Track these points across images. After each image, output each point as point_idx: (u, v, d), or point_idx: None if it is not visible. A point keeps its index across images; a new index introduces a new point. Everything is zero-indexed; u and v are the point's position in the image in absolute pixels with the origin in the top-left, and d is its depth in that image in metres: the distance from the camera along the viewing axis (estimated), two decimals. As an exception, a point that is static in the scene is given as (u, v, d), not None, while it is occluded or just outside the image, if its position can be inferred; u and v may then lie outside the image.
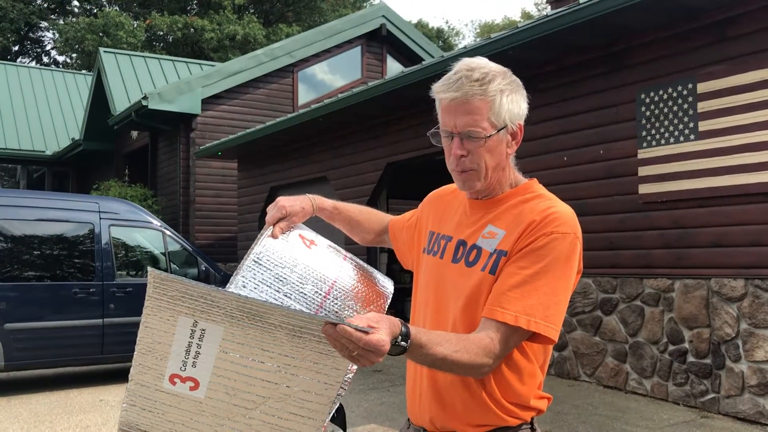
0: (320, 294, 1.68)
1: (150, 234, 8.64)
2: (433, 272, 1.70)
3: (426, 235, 1.80)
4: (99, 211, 8.16)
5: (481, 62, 1.60)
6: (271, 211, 1.77)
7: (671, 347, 6.54)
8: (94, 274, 7.95)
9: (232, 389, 1.43)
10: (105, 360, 8.07)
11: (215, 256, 14.24)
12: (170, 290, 1.37)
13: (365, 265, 1.87)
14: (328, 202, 1.96)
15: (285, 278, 1.66)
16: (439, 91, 1.59)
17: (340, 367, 1.38)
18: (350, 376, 1.70)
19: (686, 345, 6.41)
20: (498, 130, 1.58)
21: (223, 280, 8.86)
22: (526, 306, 1.47)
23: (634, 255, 6.89)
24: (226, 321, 1.37)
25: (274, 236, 1.73)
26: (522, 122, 1.65)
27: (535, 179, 1.71)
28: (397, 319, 1.34)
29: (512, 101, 1.60)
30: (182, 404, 1.47)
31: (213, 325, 1.38)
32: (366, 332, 1.24)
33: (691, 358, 6.36)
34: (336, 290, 1.69)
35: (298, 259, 1.70)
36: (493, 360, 1.47)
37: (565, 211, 1.59)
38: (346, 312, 1.71)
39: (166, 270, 8.56)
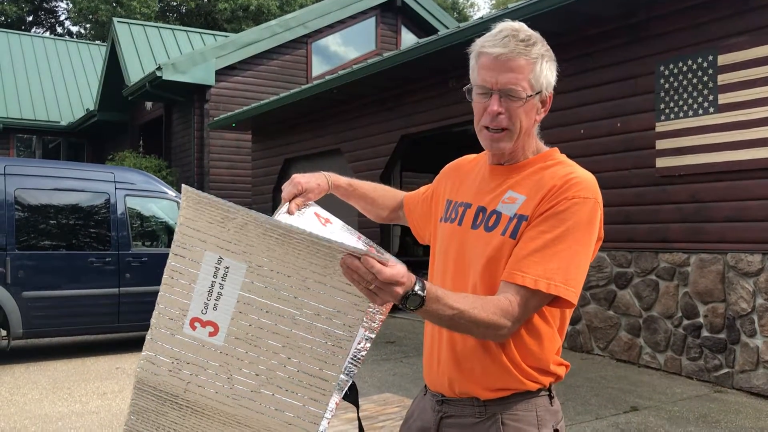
0: None
1: (165, 204, 8.67)
2: (451, 239, 1.70)
3: (443, 205, 1.79)
4: (114, 181, 8.19)
5: (523, 26, 1.61)
6: (287, 188, 1.78)
7: (685, 322, 6.52)
8: (110, 244, 8.01)
9: (250, 336, 1.45)
10: (121, 329, 8.16)
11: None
12: (203, 213, 1.42)
13: (378, 247, 1.87)
14: (342, 180, 1.97)
15: None
16: (486, 45, 1.58)
17: (359, 305, 1.39)
18: (363, 353, 1.74)
19: (701, 319, 6.39)
20: (536, 93, 1.58)
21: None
22: (546, 270, 1.47)
23: (650, 229, 6.85)
24: (252, 249, 1.40)
25: (290, 212, 1.74)
26: (552, 92, 1.65)
27: (557, 148, 1.72)
28: (410, 273, 1.35)
29: (550, 68, 1.61)
30: (200, 352, 1.49)
31: (237, 262, 1.41)
32: (385, 264, 1.26)
33: (705, 333, 6.34)
34: None
35: None
36: (512, 323, 1.46)
37: (586, 176, 1.59)
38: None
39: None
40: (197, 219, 1.43)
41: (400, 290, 1.28)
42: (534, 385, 1.59)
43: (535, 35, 1.60)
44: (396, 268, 1.27)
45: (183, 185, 1.46)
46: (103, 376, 7.00)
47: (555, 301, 1.52)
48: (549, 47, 1.64)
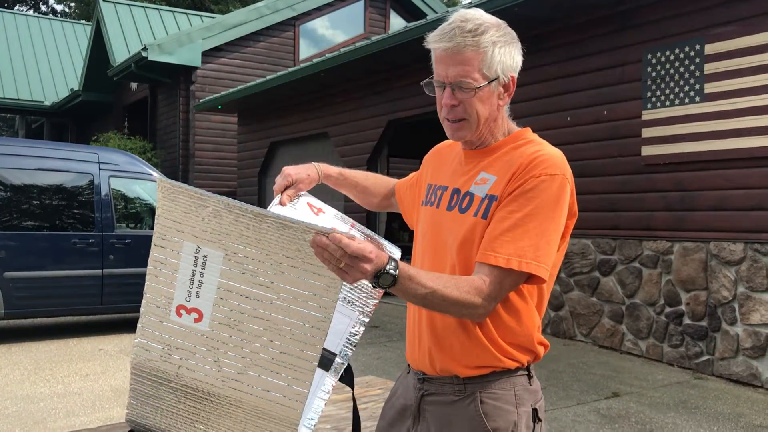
0: None
1: (150, 186, 8.61)
2: (429, 221, 1.73)
3: (425, 189, 1.83)
4: (99, 162, 8.12)
5: (476, 13, 1.60)
6: (278, 180, 1.81)
7: (668, 309, 6.57)
8: (93, 225, 7.95)
9: (232, 321, 1.51)
10: (104, 310, 8.12)
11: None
12: (179, 203, 1.48)
13: (372, 232, 1.91)
14: (333, 169, 1.99)
15: None
16: (433, 41, 1.61)
17: (333, 287, 1.42)
18: (358, 337, 1.78)
19: (683, 307, 6.44)
20: (489, 82, 1.59)
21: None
22: (517, 248, 1.49)
23: (634, 217, 6.89)
24: (226, 241, 1.46)
25: (282, 204, 1.78)
26: (515, 74, 1.65)
27: (528, 128, 1.72)
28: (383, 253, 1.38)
29: (505, 53, 1.61)
30: (188, 337, 1.55)
31: (214, 251, 1.48)
32: (353, 239, 1.30)
33: (687, 321, 6.41)
34: None
35: None
36: (487, 302, 1.49)
37: (553, 153, 1.60)
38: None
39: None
40: (174, 210, 1.50)
41: (368, 266, 1.31)
42: (512, 363, 1.61)
43: (488, 22, 1.59)
44: (363, 243, 1.30)
45: (158, 178, 1.52)
46: (85, 357, 6.97)
47: (528, 278, 1.55)
48: (507, 31, 1.63)
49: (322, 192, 2.04)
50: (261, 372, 1.52)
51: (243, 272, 1.48)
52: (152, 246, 1.54)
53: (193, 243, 1.49)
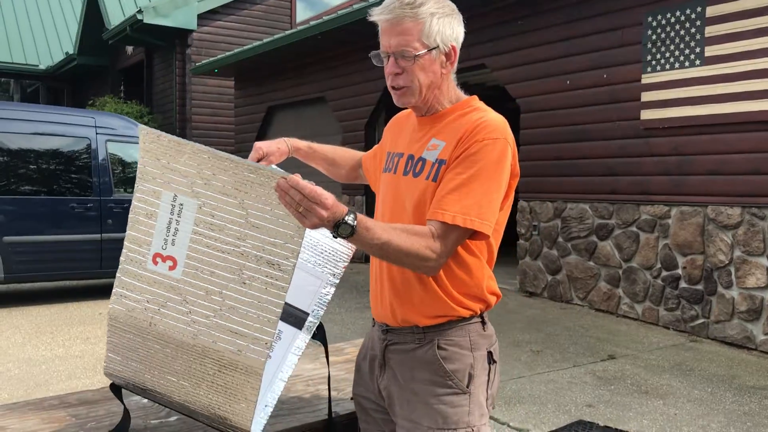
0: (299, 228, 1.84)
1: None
2: (388, 187, 1.85)
3: (385, 157, 1.96)
4: (95, 126, 8.08)
5: None
6: (250, 154, 1.96)
7: (664, 273, 6.62)
8: (91, 190, 7.94)
9: (203, 268, 1.60)
10: (103, 275, 8.14)
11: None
12: (159, 151, 1.57)
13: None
14: (302, 143, 2.12)
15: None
16: (375, 14, 1.72)
17: (297, 233, 1.52)
18: (328, 297, 1.93)
19: (679, 271, 6.49)
20: (429, 50, 1.69)
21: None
22: (463, 206, 1.61)
23: (632, 181, 6.89)
24: (202, 186, 1.56)
25: None
26: (456, 44, 1.75)
27: (475, 96, 1.83)
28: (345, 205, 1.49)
29: (444, 23, 1.70)
30: (162, 286, 1.64)
31: (189, 199, 1.58)
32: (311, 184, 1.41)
33: (683, 284, 6.45)
34: None
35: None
36: (437, 256, 1.60)
37: (495, 118, 1.72)
38: (322, 243, 1.95)
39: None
40: (154, 159, 1.60)
41: (324, 212, 1.42)
42: (466, 311, 1.74)
43: None
44: (321, 190, 1.42)
45: (139, 125, 1.62)
46: (85, 321, 7.02)
47: (474, 234, 1.67)
48: (445, 4, 1.73)
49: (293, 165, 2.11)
50: (228, 320, 1.60)
51: (214, 221, 1.57)
52: (134, 194, 1.64)
53: (171, 192, 1.59)
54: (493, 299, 1.80)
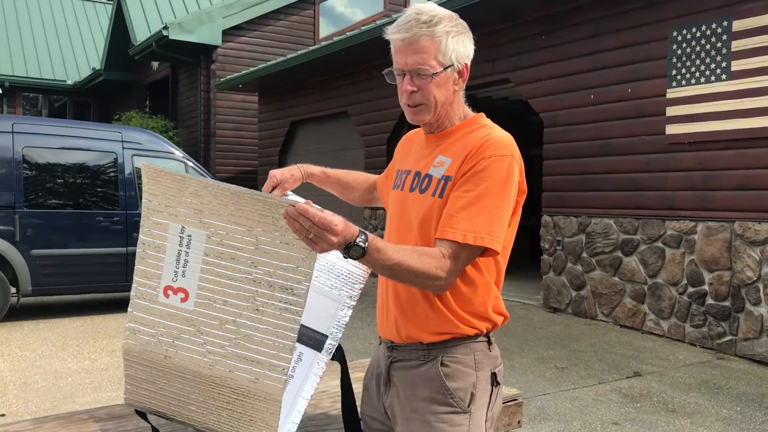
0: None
1: (172, 165, 8.66)
2: (396, 204, 1.87)
3: (394, 175, 1.99)
4: (122, 141, 8.19)
5: (430, 7, 1.74)
6: (266, 183, 2.01)
7: (690, 289, 6.54)
8: (117, 204, 8.03)
9: (216, 298, 1.59)
10: (129, 288, 8.16)
11: (235, 189, 14.29)
12: (163, 186, 1.57)
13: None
14: (316, 168, 2.17)
15: None
16: (391, 33, 1.73)
17: (308, 257, 1.51)
18: (346, 320, 1.94)
19: (706, 287, 6.40)
20: (444, 68, 1.72)
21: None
22: (472, 225, 1.62)
23: (658, 196, 6.83)
24: (208, 219, 1.55)
25: None
26: (468, 62, 1.77)
27: (482, 113, 1.84)
28: (356, 226, 1.49)
29: (458, 42, 1.73)
30: (175, 318, 1.63)
31: (197, 230, 1.57)
32: (321, 211, 1.41)
33: (710, 301, 6.37)
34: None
35: None
36: (446, 274, 1.61)
37: (501, 136, 1.73)
38: (339, 265, 1.96)
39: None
40: (159, 193, 1.59)
41: (334, 238, 1.41)
42: (471, 330, 1.73)
43: (441, 14, 1.72)
44: (330, 215, 1.42)
45: (142, 162, 1.64)
46: (111, 334, 7.09)
47: (484, 251, 1.68)
48: (458, 22, 1.76)
49: (309, 190, 2.16)
50: (243, 348, 1.58)
51: (224, 250, 1.56)
52: (140, 229, 1.63)
53: (178, 224, 1.58)
54: (499, 319, 1.79)
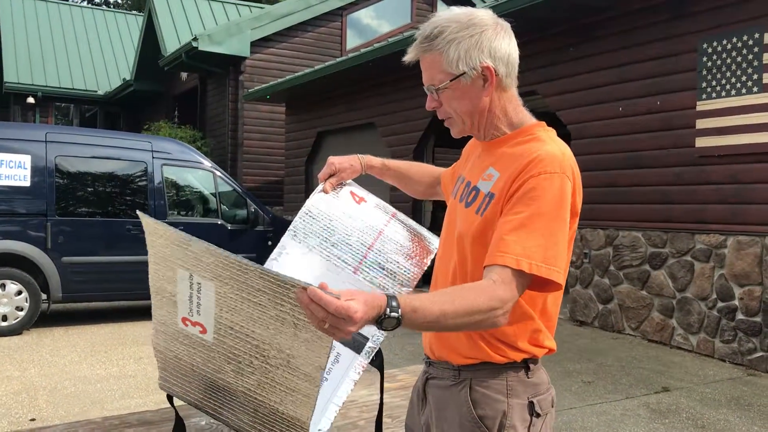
0: (364, 246, 1.82)
1: (201, 174, 8.77)
2: (449, 214, 1.77)
3: (456, 181, 1.86)
4: (152, 150, 8.30)
5: (438, 17, 1.63)
6: (323, 169, 1.93)
7: (720, 304, 6.45)
8: (147, 212, 8.13)
9: (236, 338, 1.46)
10: (156, 296, 8.30)
11: (262, 200, 14.40)
12: (161, 238, 1.45)
13: (413, 222, 1.96)
14: (376, 160, 2.06)
15: (333, 229, 1.82)
16: (408, 53, 1.68)
17: (323, 341, 1.31)
18: (380, 339, 1.79)
19: (736, 302, 6.31)
20: (453, 79, 1.60)
21: (272, 222, 8.99)
22: (525, 248, 1.45)
23: (687, 209, 6.76)
24: (214, 279, 1.39)
25: (325, 191, 1.88)
26: (489, 63, 1.59)
27: (543, 123, 1.68)
28: (382, 293, 1.32)
29: (467, 47, 1.58)
30: (195, 344, 1.56)
31: (205, 281, 1.41)
32: (337, 297, 1.21)
33: (740, 316, 6.27)
34: (380, 243, 1.83)
35: (346, 212, 1.86)
36: (501, 303, 1.42)
37: (552, 151, 1.55)
38: (388, 265, 1.82)
39: (216, 211, 8.71)
40: (161, 245, 1.48)
41: (353, 327, 1.23)
42: (501, 358, 1.58)
43: (445, 23, 1.60)
44: (349, 300, 1.22)
45: (138, 212, 1.50)
46: (139, 341, 7.16)
47: (544, 284, 1.49)
48: (472, 24, 1.59)
49: (369, 181, 2.10)
50: (270, 384, 1.49)
51: (236, 306, 1.41)
52: (150, 272, 1.54)
53: (186, 271, 1.45)
54: (539, 351, 1.62)
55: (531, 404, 1.59)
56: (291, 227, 1.84)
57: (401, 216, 1.97)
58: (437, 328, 1.44)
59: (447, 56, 1.58)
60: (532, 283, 1.48)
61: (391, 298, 1.30)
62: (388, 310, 1.29)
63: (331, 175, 1.92)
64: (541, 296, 1.58)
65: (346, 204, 1.87)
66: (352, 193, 1.94)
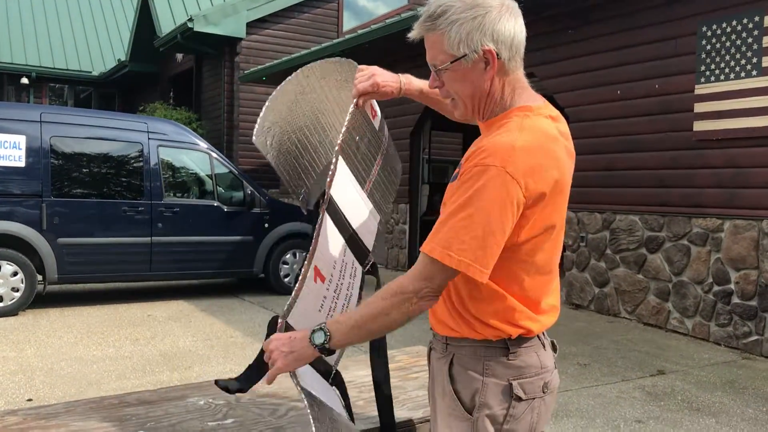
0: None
1: (197, 156, 8.73)
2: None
3: None
4: (148, 132, 8.25)
5: None
6: (364, 83, 1.91)
7: (716, 288, 6.47)
8: (142, 194, 8.10)
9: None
10: (153, 277, 8.30)
11: (258, 182, 14.36)
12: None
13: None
14: (414, 87, 2.04)
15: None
16: (411, 34, 1.66)
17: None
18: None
19: (732, 286, 6.33)
20: (453, 61, 1.56)
21: (269, 204, 8.96)
22: (444, 238, 1.46)
23: (684, 193, 6.76)
24: None
25: (357, 106, 1.90)
26: (491, 46, 1.54)
27: (530, 105, 1.62)
28: (303, 331, 1.56)
29: (469, 28, 1.54)
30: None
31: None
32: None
33: (736, 300, 6.29)
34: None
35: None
36: (413, 286, 1.48)
37: (502, 141, 1.49)
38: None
39: (212, 193, 8.67)
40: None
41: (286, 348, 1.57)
42: (476, 334, 1.58)
43: (448, 3, 1.55)
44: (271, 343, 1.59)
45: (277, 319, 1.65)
46: (135, 322, 7.16)
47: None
48: (476, 5, 1.54)
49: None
50: None
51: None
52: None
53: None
54: (513, 331, 1.58)
55: (510, 386, 1.57)
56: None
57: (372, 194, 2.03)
58: (365, 335, 1.56)
59: (449, 37, 1.55)
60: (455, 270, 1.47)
61: (316, 328, 1.54)
62: (313, 338, 1.53)
63: (369, 93, 1.91)
64: (515, 277, 1.55)
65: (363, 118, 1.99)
66: (371, 105, 2.04)
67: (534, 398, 1.59)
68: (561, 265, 7.54)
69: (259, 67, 13.90)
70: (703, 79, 6.56)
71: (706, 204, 6.56)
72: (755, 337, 6.13)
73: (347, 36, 11.66)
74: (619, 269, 7.41)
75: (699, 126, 6.59)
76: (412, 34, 1.64)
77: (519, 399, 1.56)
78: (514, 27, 1.59)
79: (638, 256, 7.22)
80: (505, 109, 1.62)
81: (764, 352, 6.04)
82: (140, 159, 8.15)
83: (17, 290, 7.38)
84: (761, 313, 6.08)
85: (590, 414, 4.50)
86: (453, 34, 1.54)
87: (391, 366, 2.59)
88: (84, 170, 7.93)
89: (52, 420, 1.95)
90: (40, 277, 7.61)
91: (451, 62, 1.57)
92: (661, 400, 4.82)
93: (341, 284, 1.76)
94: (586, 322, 7.21)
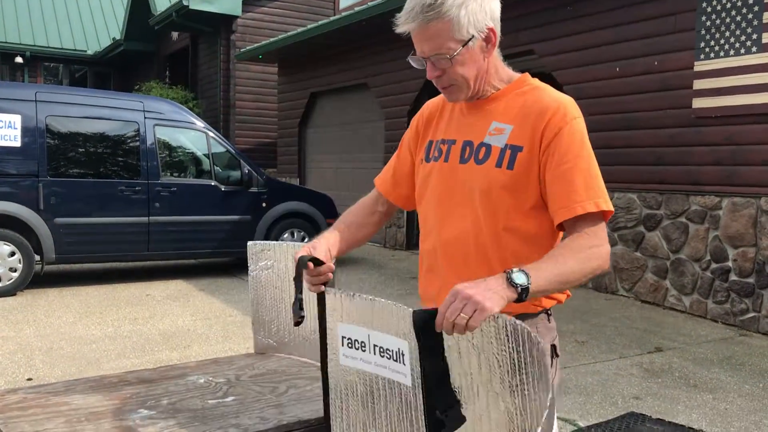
0: None
1: (193, 135, 8.68)
2: (438, 176, 1.73)
3: (424, 148, 1.81)
4: (144, 111, 8.20)
5: None
6: (312, 282, 1.70)
7: (714, 265, 6.48)
8: (139, 173, 8.07)
9: None
10: (150, 257, 8.29)
11: (255, 162, 14.32)
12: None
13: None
14: (335, 247, 1.84)
15: None
16: (400, 24, 1.61)
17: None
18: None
19: (729, 264, 6.34)
20: (464, 45, 1.58)
21: (266, 184, 8.93)
22: (589, 193, 1.57)
23: (682, 171, 6.75)
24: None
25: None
26: (493, 24, 1.61)
27: (527, 73, 1.73)
28: (492, 277, 1.40)
29: (473, 10, 1.57)
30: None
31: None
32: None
33: (733, 277, 6.31)
34: None
35: None
36: (604, 244, 1.57)
37: (564, 97, 1.66)
38: None
39: (209, 172, 8.64)
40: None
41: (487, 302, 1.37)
42: (535, 308, 1.67)
43: None
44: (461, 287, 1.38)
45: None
46: (133, 302, 7.16)
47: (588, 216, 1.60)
48: None
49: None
50: None
51: None
52: None
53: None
54: (563, 297, 1.73)
55: (553, 347, 1.71)
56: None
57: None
58: (558, 287, 1.51)
59: (458, 22, 1.55)
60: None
61: (509, 272, 1.40)
62: (518, 287, 1.39)
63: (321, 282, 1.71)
64: (552, 237, 1.67)
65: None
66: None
67: (559, 356, 1.75)
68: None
69: (256, 45, 13.80)
70: (702, 56, 6.52)
71: (705, 182, 6.56)
72: (752, 314, 6.15)
73: (344, 13, 11.56)
74: (617, 247, 7.42)
75: (698, 103, 6.56)
76: (408, 28, 1.60)
77: (557, 356, 1.73)
78: (497, 2, 1.65)
79: (636, 234, 7.22)
80: (505, 81, 1.69)
81: (761, 328, 6.06)
82: (137, 138, 8.10)
83: (15, 270, 7.37)
84: (758, 290, 6.10)
85: (588, 390, 4.52)
86: (462, 18, 1.55)
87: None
88: (80, 150, 7.89)
89: (52, 398, 1.95)
90: (37, 257, 7.59)
91: (463, 45, 1.58)
92: (659, 376, 4.84)
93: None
94: (583, 300, 7.23)
